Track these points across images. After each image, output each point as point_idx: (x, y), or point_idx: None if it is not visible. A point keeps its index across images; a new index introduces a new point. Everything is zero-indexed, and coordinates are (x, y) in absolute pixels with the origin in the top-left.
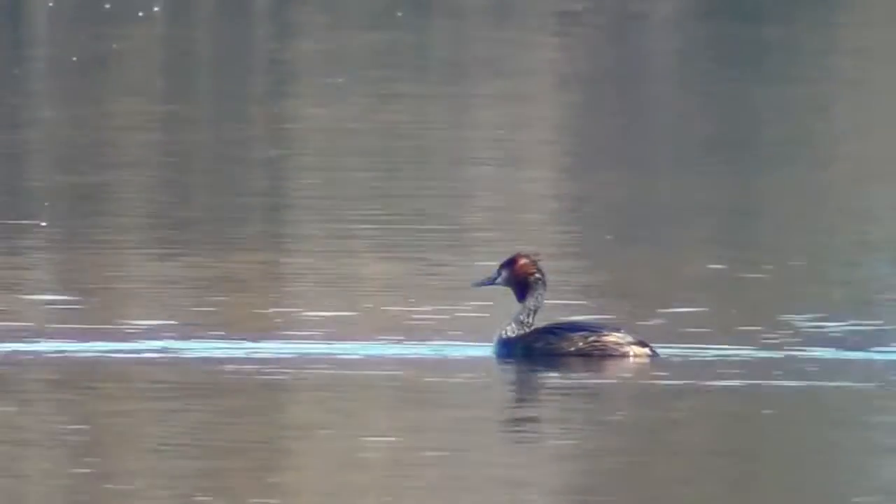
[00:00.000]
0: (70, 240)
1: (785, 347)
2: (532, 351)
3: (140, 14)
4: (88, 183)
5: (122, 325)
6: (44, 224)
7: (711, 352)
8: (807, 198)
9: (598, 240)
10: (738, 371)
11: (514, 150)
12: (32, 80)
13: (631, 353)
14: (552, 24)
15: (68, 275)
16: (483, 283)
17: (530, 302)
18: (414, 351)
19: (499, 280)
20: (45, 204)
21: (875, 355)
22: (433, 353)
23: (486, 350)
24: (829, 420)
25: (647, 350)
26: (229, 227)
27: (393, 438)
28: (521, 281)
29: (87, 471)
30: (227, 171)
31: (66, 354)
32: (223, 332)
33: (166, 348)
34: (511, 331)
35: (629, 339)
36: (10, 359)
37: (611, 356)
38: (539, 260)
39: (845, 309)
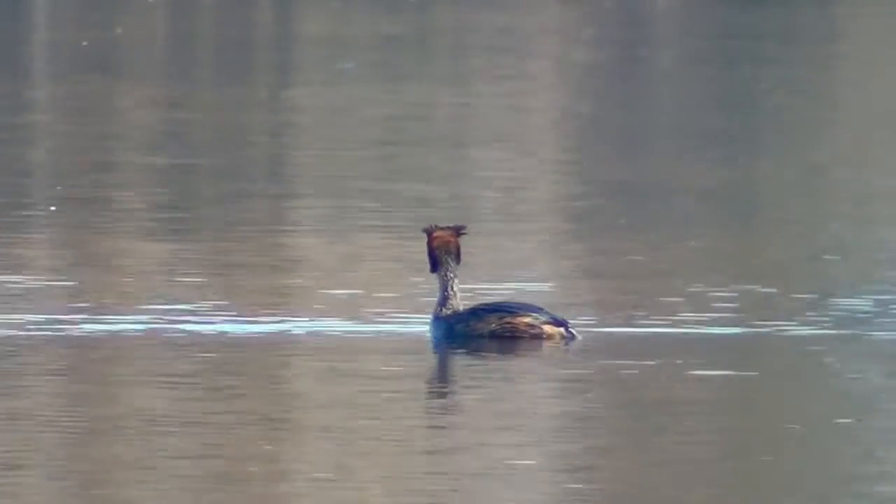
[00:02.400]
0: (78, 223)
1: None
2: (453, 332)
3: (150, 0)
4: (96, 168)
5: (123, 306)
6: (53, 208)
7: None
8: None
9: (611, 223)
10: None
11: (521, 133)
12: (41, 64)
13: (544, 334)
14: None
15: (75, 257)
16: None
17: (442, 272)
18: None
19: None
20: (57, 188)
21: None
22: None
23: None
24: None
25: (561, 330)
26: (236, 210)
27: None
28: (431, 253)
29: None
30: (233, 154)
31: (74, 335)
32: (232, 313)
33: (168, 328)
34: (441, 310)
35: (543, 319)
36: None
37: (522, 337)
38: (462, 233)
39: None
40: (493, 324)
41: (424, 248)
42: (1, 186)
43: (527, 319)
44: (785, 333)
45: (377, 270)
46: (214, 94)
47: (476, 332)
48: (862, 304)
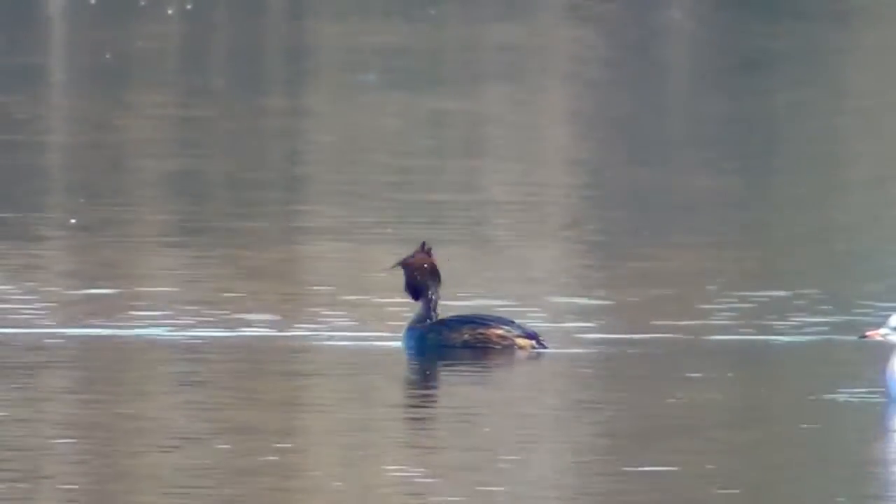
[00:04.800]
0: (99, 235)
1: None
2: (425, 342)
3: (169, 12)
4: (115, 179)
5: (140, 314)
6: (73, 221)
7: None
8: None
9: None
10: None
11: (536, 145)
12: (63, 76)
13: (516, 346)
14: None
15: (96, 268)
16: (394, 267)
17: (426, 296)
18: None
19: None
20: (80, 200)
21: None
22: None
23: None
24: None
25: (532, 342)
26: (253, 220)
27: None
28: (411, 283)
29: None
30: (252, 164)
31: (92, 342)
32: (250, 321)
33: (182, 335)
34: (415, 321)
35: (516, 332)
36: (35, 344)
37: (494, 348)
38: (429, 248)
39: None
40: (466, 334)
41: (405, 278)
42: (22, 198)
43: (499, 331)
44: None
45: (389, 279)
46: (232, 103)
47: (449, 342)
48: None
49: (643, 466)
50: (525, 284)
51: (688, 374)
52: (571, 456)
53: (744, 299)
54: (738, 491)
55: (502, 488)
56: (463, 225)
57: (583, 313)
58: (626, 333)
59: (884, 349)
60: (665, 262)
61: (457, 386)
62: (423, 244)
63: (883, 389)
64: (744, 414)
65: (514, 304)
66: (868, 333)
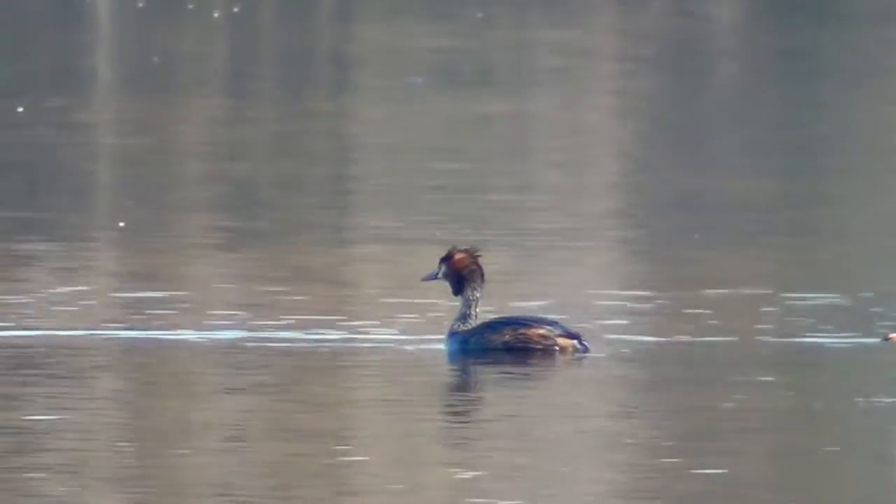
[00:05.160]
0: (148, 238)
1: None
2: (468, 345)
3: (215, 15)
4: (163, 183)
5: (188, 317)
6: (122, 224)
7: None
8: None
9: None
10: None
11: (583, 148)
12: (112, 79)
13: (557, 346)
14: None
15: (145, 271)
16: (429, 278)
17: (468, 293)
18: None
19: (439, 275)
20: (129, 203)
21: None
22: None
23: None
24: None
25: (573, 342)
26: (301, 224)
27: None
28: (457, 275)
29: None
30: (300, 167)
31: (141, 344)
32: (295, 324)
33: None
34: (458, 326)
35: (558, 332)
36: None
37: (535, 349)
38: (478, 255)
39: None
40: (507, 335)
41: (448, 272)
42: (72, 200)
43: (541, 331)
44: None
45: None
46: (280, 106)
47: (490, 345)
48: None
49: (697, 469)
50: (573, 287)
51: (741, 378)
52: (626, 458)
53: (796, 301)
54: (791, 495)
55: (556, 491)
56: (511, 227)
57: (631, 315)
58: (672, 336)
59: None
60: (715, 264)
61: (504, 388)
62: (476, 250)
63: None
64: (794, 418)
65: (561, 306)
66: (891, 336)
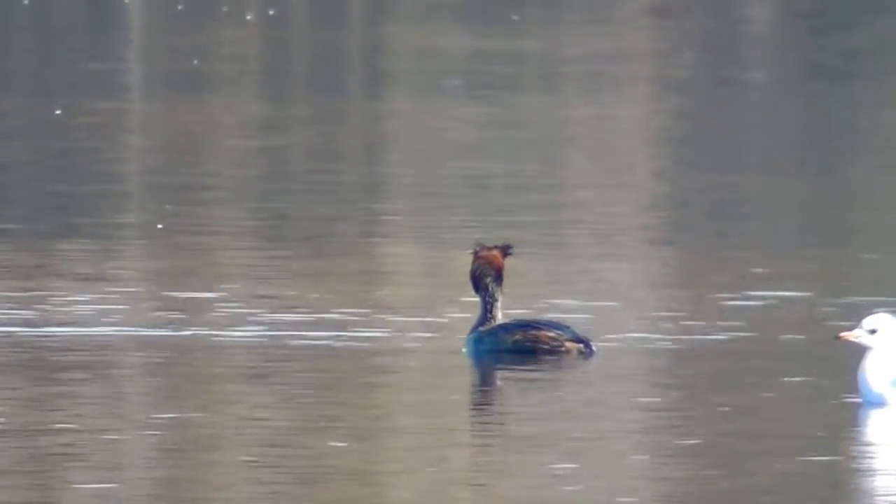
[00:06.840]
0: (185, 239)
1: None
2: (481, 345)
3: (248, 17)
4: (204, 183)
5: (224, 316)
6: (160, 226)
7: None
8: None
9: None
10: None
11: (615, 150)
12: (147, 81)
13: (564, 348)
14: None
15: (182, 271)
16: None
17: (487, 293)
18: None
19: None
20: (167, 207)
21: None
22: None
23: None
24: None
25: (580, 346)
26: (336, 224)
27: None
28: (471, 275)
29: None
30: (335, 168)
31: (178, 344)
32: (323, 322)
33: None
34: (479, 326)
35: (567, 336)
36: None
37: (543, 350)
38: (509, 252)
39: None
40: (517, 335)
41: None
42: (110, 204)
43: (550, 333)
44: None
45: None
46: (315, 108)
47: (501, 345)
48: None
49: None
50: (609, 287)
51: (782, 378)
52: (655, 459)
53: (832, 303)
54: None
55: (583, 486)
56: (544, 230)
57: (668, 316)
58: (706, 335)
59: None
60: (757, 267)
61: (527, 388)
62: (506, 245)
63: None
64: (831, 417)
65: (595, 306)
66: (842, 335)
